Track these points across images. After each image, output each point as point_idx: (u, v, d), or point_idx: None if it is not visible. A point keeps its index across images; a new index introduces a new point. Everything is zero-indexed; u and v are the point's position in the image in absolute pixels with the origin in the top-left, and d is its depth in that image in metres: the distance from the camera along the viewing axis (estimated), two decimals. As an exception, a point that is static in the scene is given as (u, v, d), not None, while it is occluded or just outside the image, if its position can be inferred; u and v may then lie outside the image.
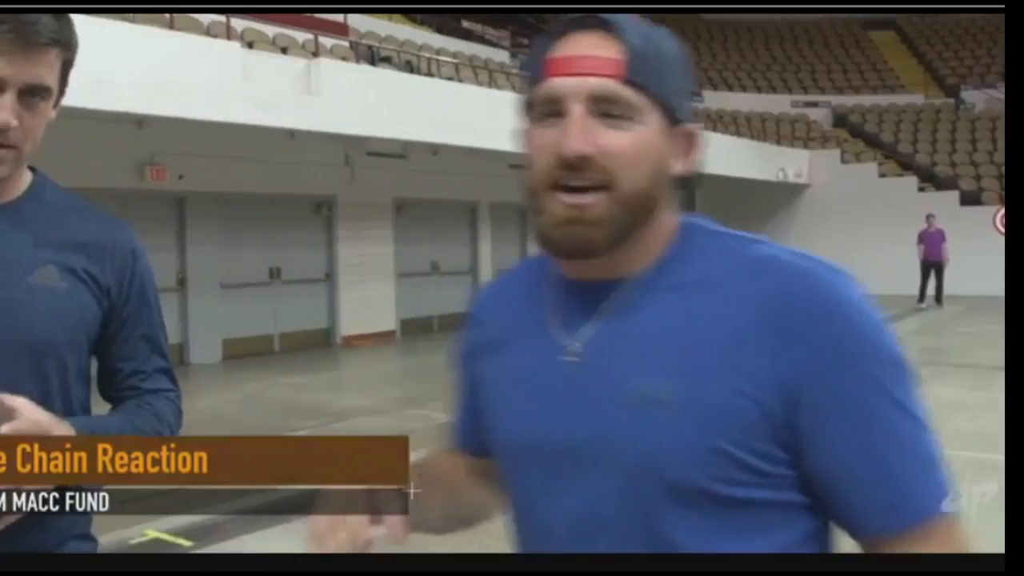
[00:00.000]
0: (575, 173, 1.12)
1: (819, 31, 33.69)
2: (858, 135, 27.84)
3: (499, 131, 12.71)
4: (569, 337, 1.18)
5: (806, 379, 1.10)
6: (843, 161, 25.33)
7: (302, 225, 14.48)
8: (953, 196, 24.10)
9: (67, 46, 1.54)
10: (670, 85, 1.16)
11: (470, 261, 17.72)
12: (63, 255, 1.60)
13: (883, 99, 29.75)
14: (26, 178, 1.62)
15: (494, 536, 4.65)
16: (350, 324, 15.02)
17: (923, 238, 20.55)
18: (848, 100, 29.74)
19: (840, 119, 28.76)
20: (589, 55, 1.12)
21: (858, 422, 1.12)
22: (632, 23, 1.15)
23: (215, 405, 9.56)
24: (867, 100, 29.75)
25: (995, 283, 21.72)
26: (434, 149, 14.12)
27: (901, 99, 29.89)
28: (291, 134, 11.83)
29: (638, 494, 1.13)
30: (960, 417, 8.73)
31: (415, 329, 16.21)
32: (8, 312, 1.54)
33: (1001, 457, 6.11)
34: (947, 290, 20.67)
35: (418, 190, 15.62)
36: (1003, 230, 15.07)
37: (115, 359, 1.67)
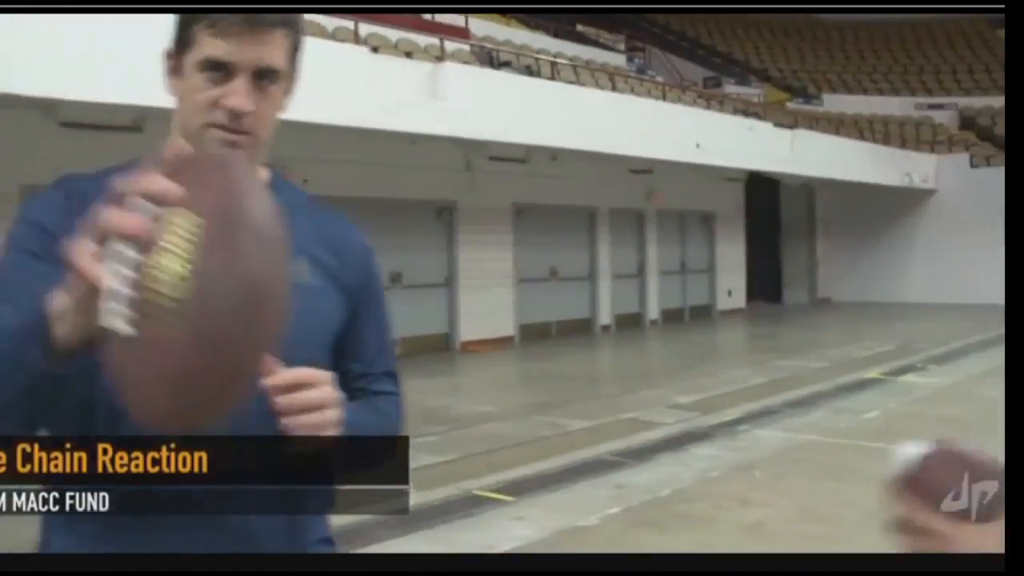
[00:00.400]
0: None
1: (942, 30, 32.62)
2: (987, 138, 26.83)
3: (620, 135, 12.78)
4: None
5: None
6: (972, 165, 24.45)
7: (423, 230, 14.61)
8: (1091, 201, 23.04)
9: (294, 28, 1.50)
10: None
11: (589, 267, 17.66)
12: (311, 252, 1.55)
13: (1014, 101, 28.62)
14: (262, 173, 1.56)
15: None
16: (469, 329, 15.10)
17: None
18: (976, 101, 28.70)
19: (968, 121, 27.77)
20: None
21: None
22: None
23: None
24: (996, 101, 28.61)
25: None
26: (554, 154, 14.12)
27: (1033, 101, 28.72)
28: (413, 139, 11.95)
29: None
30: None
31: (533, 334, 16.21)
32: None
33: None
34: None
35: (538, 195, 15.64)
36: None
37: (346, 358, 1.60)
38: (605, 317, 17.49)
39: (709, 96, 18.90)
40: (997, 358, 13.43)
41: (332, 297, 1.57)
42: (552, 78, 14.37)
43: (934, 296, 23.07)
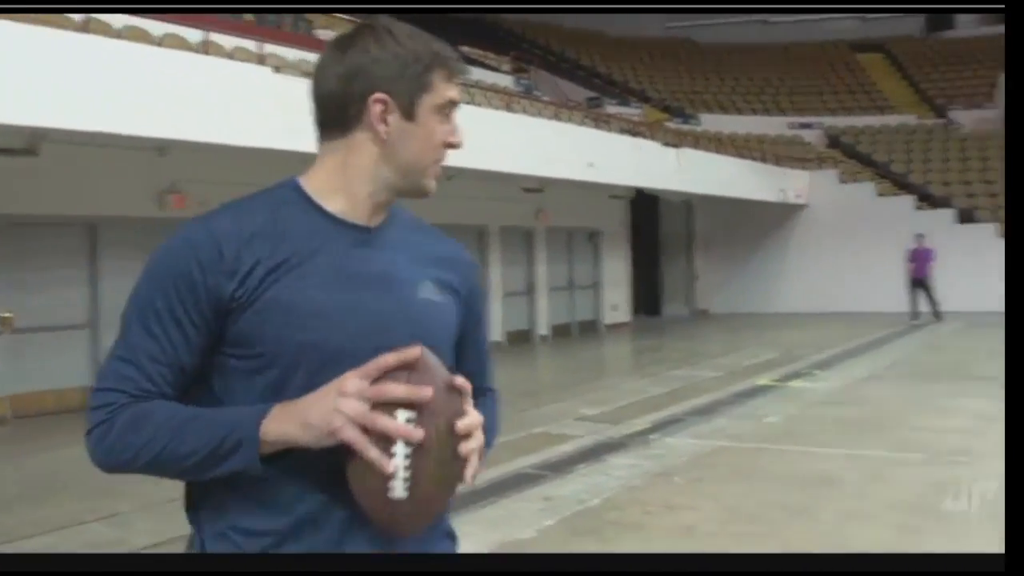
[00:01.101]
0: None
1: (810, 54, 34.12)
2: (852, 156, 28.14)
3: (514, 154, 13.01)
4: None
5: None
6: (841, 181, 25.61)
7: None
8: (949, 214, 24.40)
9: None
10: None
11: (480, 285, 17.82)
12: (435, 271, 1.70)
13: (875, 120, 30.10)
14: None
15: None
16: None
17: (913, 256, 20.85)
18: (840, 121, 30.08)
19: (834, 140, 29.09)
20: None
21: None
22: None
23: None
24: (859, 121, 30.09)
25: (992, 299, 22.14)
26: (450, 174, 14.24)
27: (892, 120, 30.26)
28: (305, 159, 11.87)
29: None
30: (1000, 429, 8.86)
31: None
32: (414, 325, 1.62)
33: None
34: (944, 307, 20.92)
35: (430, 214, 15.44)
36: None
37: (465, 361, 1.77)
38: (497, 334, 17.68)
39: (594, 116, 19.32)
40: (876, 362, 14.18)
41: (454, 309, 1.73)
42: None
43: (807, 305, 24.04)
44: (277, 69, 10.83)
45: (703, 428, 9.38)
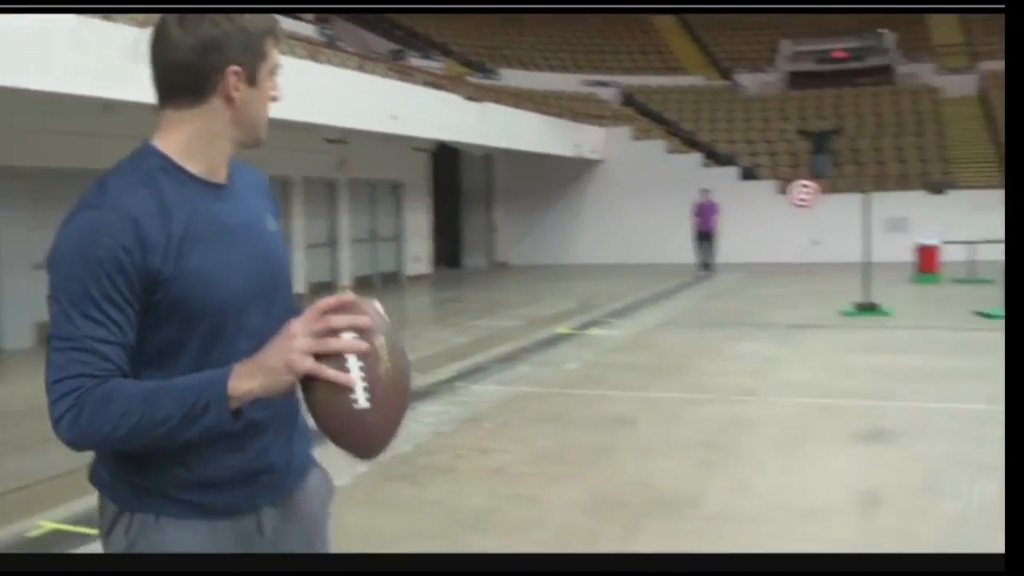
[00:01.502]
0: None
1: (606, 15, 34.91)
2: (645, 113, 29.17)
3: (317, 105, 12.84)
4: None
5: None
6: (634, 138, 26.53)
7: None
8: (733, 172, 25.73)
9: None
10: None
11: (283, 236, 17.56)
12: (264, 201, 1.97)
13: (666, 80, 31.26)
14: None
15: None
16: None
17: (698, 210, 21.93)
18: (634, 80, 31.08)
19: (628, 98, 30.03)
20: None
21: None
22: None
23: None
24: (652, 81, 31.18)
25: (770, 251, 23.62)
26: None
27: (682, 80, 31.51)
28: (105, 106, 11.38)
29: None
30: (781, 370, 9.56)
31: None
32: (276, 258, 1.90)
33: (838, 401, 6.94)
34: (727, 259, 22.15)
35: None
36: (798, 204, 16.27)
37: None
38: (299, 286, 17.52)
39: (398, 69, 19.25)
40: (667, 310, 14.93)
41: (279, 228, 1.97)
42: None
43: (602, 257, 24.92)
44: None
45: (507, 375, 9.68)
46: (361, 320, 1.67)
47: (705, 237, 21.78)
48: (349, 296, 1.69)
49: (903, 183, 24.72)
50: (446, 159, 23.51)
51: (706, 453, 6.42)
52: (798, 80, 31.85)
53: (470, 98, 18.81)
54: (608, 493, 5.57)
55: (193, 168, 1.79)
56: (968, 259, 18.46)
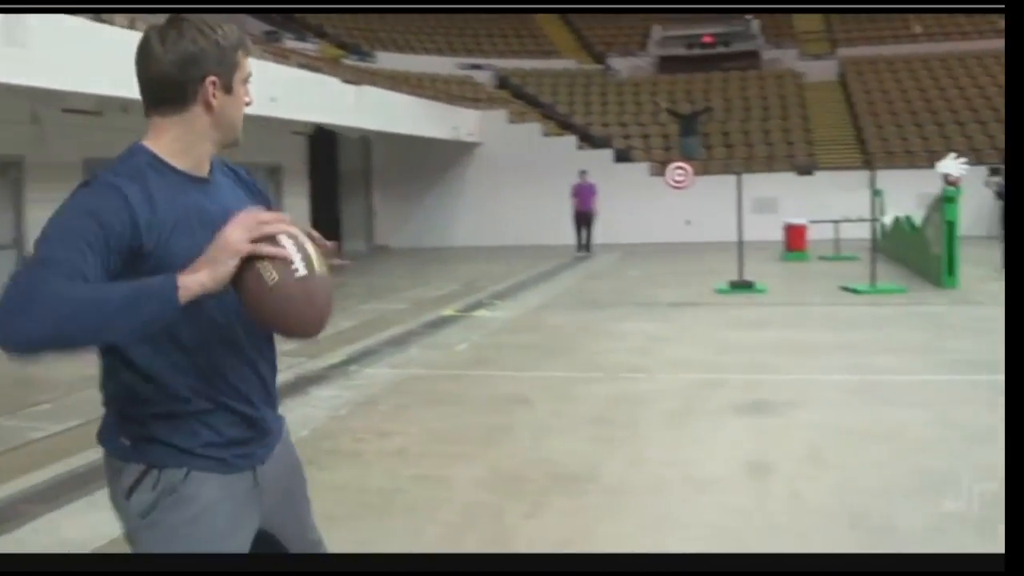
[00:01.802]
0: None
1: (480, -3, 35.01)
2: (520, 96, 29.44)
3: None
4: None
5: None
6: (510, 121, 26.75)
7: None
8: (608, 154, 26.21)
9: None
10: None
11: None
12: (248, 194, 2.28)
13: (540, 64, 31.58)
14: None
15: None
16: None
17: (576, 191, 22.30)
18: (509, 63, 31.30)
19: (503, 81, 30.24)
20: None
21: None
22: None
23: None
24: (526, 64, 31.47)
25: (644, 232, 24.20)
26: (125, 106, 13.60)
27: (556, 64, 31.88)
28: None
29: None
30: (665, 348, 9.88)
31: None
32: None
33: (721, 376, 7.25)
34: (604, 239, 22.61)
35: (111, 149, 14.80)
36: (674, 185, 16.68)
37: None
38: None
39: (273, 51, 18.98)
40: (549, 291, 15.19)
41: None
42: (131, 27, 13.73)
43: (483, 239, 25.11)
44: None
45: (398, 358, 9.75)
46: (292, 228, 1.94)
47: (583, 218, 22.14)
48: (277, 214, 1.98)
49: (770, 165, 25.63)
50: (324, 143, 23.30)
51: (601, 429, 6.64)
52: (668, 64, 32.58)
53: (348, 81, 18.71)
54: (509, 470, 5.73)
55: (179, 165, 2.06)
56: (833, 237, 19.30)
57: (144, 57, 2.01)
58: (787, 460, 5.64)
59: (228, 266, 1.85)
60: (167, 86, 2.00)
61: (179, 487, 2.03)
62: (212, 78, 2.01)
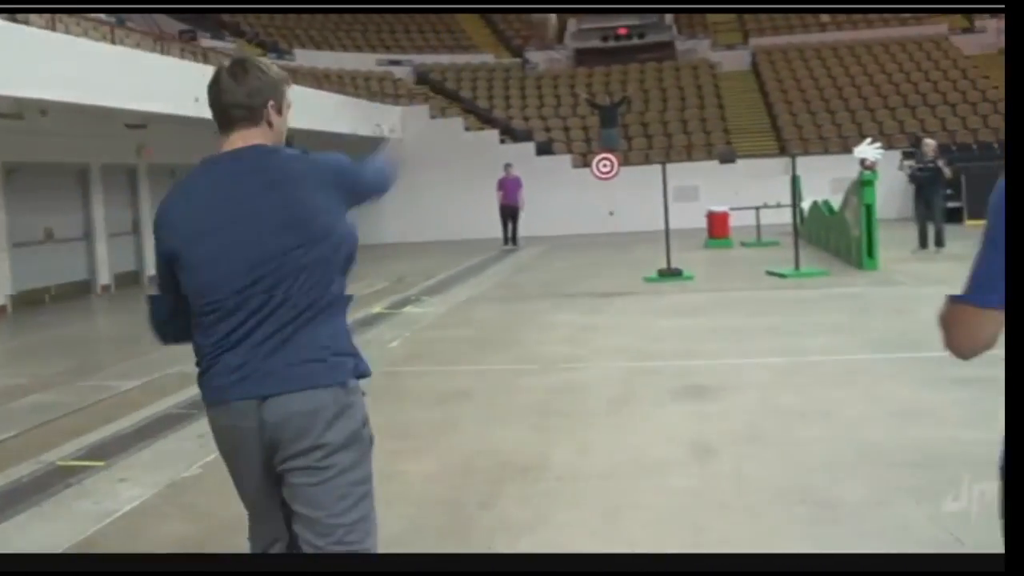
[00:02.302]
0: None
1: (396, -8, 34.89)
2: (440, 92, 29.43)
3: (117, 88, 12.47)
4: None
5: None
6: (431, 116, 26.74)
7: None
8: (530, 147, 26.37)
9: None
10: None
11: (84, 226, 16.88)
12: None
13: (459, 58, 31.59)
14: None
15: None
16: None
17: (501, 185, 22.41)
18: (428, 59, 31.26)
19: (422, 77, 30.20)
20: None
21: None
22: None
23: None
24: (445, 59, 31.46)
25: (569, 224, 24.41)
26: (44, 108, 13.34)
27: (475, 59, 31.93)
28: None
29: None
30: (599, 337, 10.03)
31: (28, 301, 15.24)
32: None
33: (657, 363, 7.40)
34: (529, 232, 22.78)
35: (29, 153, 14.63)
36: (601, 176, 16.81)
37: None
38: (104, 277, 16.91)
39: (192, 50, 18.72)
40: (478, 286, 15.27)
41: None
42: (51, 28, 13.47)
43: (409, 235, 25.09)
44: None
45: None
46: None
47: (509, 212, 22.26)
48: None
49: (689, 154, 26.04)
50: (244, 142, 22.99)
51: (544, 419, 6.74)
52: (585, 57, 32.86)
53: (270, 80, 18.54)
54: (459, 463, 5.80)
55: None
56: (754, 224, 19.71)
57: (221, 90, 2.73)
58: (729, 441, 5.81)
59: None
60: (241, 109, 2.72)
61: None
62: (273, 102, 2.75)
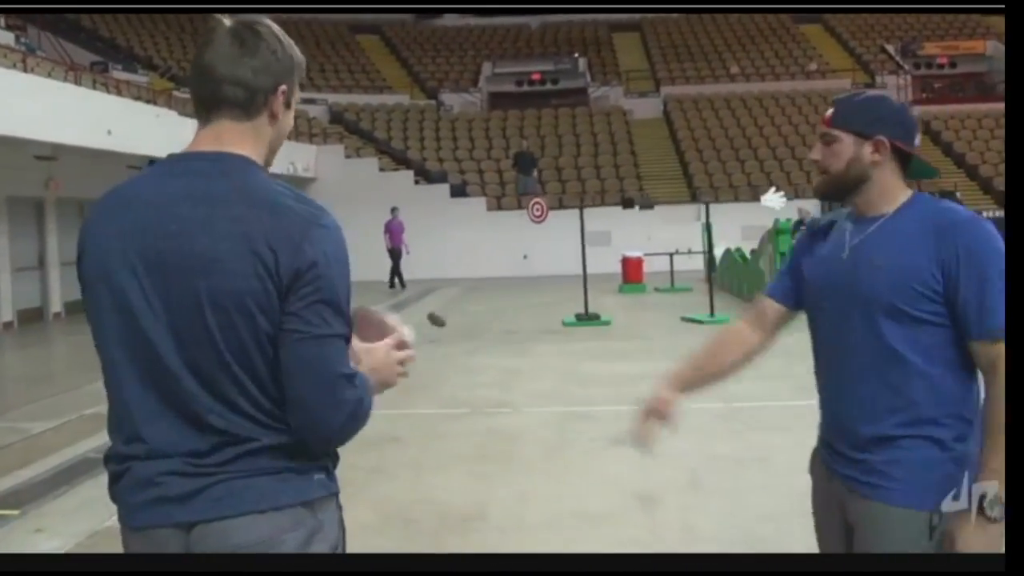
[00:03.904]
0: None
1: (311, 31, 34.78)
2: (355, 132, 29.29)
3: (24, 118, 12.08)
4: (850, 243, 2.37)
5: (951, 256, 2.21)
6: (346, 156, 26.57)
7: None
8: (444, 189, 26.35)
9: None
10: (856, 121, 2.34)
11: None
12: None
13: (374, 99, 31.53)
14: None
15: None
16: None
17: (387, 228, 22.46)
18: (343, 99, 31.12)
19: (337, 116, 30.03)
20: (825, 117, 2.42)
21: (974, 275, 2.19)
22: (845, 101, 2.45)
23: None
24: (360, 99, 31.37)
25: (483, 266, 24.41)
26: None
27: (389, 99, 31.90)
28: None
29: (867, 312, 2.25)
30: (525, 381, 9.96)
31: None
32: None
33: (588, 408, 7.34)
34: (443, 274, 22.75)
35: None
36: (534, 220, 16.84)
37: None
38: (7, 313, 16.26)
39: (105, 81, 18.29)
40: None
41: None
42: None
43: (321, 277, 24.72)
44: None
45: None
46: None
47: (396, 254, 22.34)
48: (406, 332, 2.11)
49: (602, 199, 26.32)
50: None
51: (479, 466, 6.64)
52: (499, 100, 33.12)
53: (184, 114, 18.20)
54: (395, 512, 5.65)
55: None
56: (667, 269, 19.96)
57: (219, 56, 1.88)
58: (672, 490, 5.79)
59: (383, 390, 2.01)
60: (238, 88, 1.88)
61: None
62: (284, 88, 1.92)
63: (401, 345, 2.03)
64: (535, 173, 26.24)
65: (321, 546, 1.89)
